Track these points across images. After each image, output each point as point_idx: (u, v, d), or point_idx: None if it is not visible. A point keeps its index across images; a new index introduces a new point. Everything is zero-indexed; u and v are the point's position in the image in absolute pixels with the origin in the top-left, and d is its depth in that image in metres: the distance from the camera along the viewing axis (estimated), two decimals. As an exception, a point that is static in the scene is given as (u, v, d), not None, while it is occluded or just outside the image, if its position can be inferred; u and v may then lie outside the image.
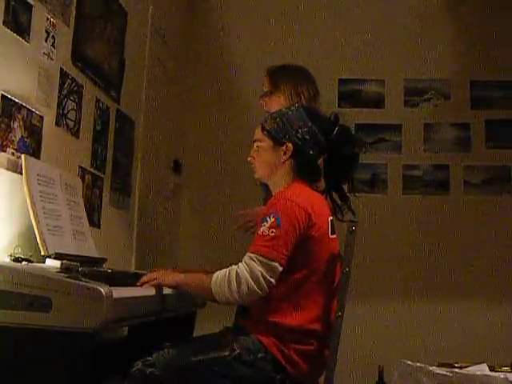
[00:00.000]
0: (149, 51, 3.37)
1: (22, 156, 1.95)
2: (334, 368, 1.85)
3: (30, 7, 2.06)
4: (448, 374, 2.13)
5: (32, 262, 1.71)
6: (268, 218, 1.80)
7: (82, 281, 1.46)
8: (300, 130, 1.96)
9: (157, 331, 2.03)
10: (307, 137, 1.95)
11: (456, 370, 2.22)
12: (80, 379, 1.44)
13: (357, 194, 2.08)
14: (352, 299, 2.01)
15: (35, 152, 2.10)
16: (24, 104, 2.03)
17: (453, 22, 4.12)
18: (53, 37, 2.22)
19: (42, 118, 2.15)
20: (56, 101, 2.28)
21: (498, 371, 2.29)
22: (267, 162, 1.99)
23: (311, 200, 1.89)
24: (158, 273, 1.92)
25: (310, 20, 4.12)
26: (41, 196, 1.95)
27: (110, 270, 2.11)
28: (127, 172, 3.10)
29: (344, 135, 2.00)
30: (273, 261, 1.77)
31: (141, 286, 1.85)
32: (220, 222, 3.83)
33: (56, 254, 1.83)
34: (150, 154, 3.38)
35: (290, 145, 1.95)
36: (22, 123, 2.02)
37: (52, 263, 1.77)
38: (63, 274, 1.49)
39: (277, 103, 2.47)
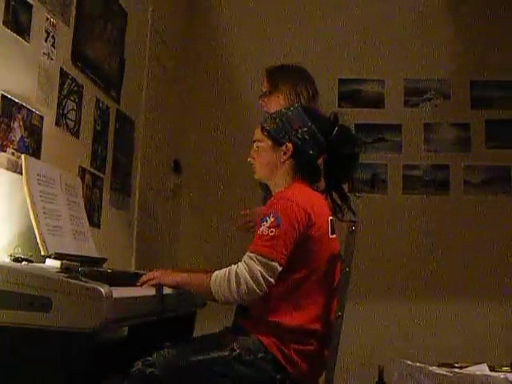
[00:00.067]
0: (149, 51, 3.37)
1: (22, 156, 1.95)
2: (333, 368, 1.85)
3: (29, 7, 2.06)
4: (448, 373, 2.13)
5: (32, 261, 1.70)
6: (268, 218, 1.80)
7: (81, 281, 1.46)
8: (300, 130, 1.96)
9: (157, 331, 2.03)
10: (307, 137, 1.95)
11: (456, 369, 2.22)
12: (80, 379, 1.44)
13: (358, 194, 2.08)
14: (352, 299, 2.01)
15: (35, 152, 2.11)
16: (24, 104, 2.03)
17: (453, 21, 4.12)
18: (53, 37, 2.22)
19: (42, 117, 2.15)
20: (56, 101, 2.28)
21: (498, 371, 2.29)
22: (267, 162, 1.99)
23: (311, 200, 1.89)
24: (158, 272, 1.92)
25: (309, 20, 4.12)
26: (41, 196, 1.95)
27: (109, 270, 2.11)
28: (127, 172, 3.10)
29: (344, 135, 2.00)
30: (272, 260, 1.77)
31: (141, 285, 1.86)
32: (220, 222, 3.83)
33: (56, 253, 1.83)
34: (149, 154, 3.38)
35: (289, 145, 1.95)
36: (21, 123, 2.02)
37: (52, 263, 1.77)
38: (63, 274, 1.49)
39: (276, 103, 2.47)
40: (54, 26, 2.23)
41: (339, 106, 4.09)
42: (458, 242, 3.88)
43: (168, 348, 1.81)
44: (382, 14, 4.12)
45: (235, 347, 1.80)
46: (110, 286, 1.48)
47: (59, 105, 2.30)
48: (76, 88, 2.45)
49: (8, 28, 1.94)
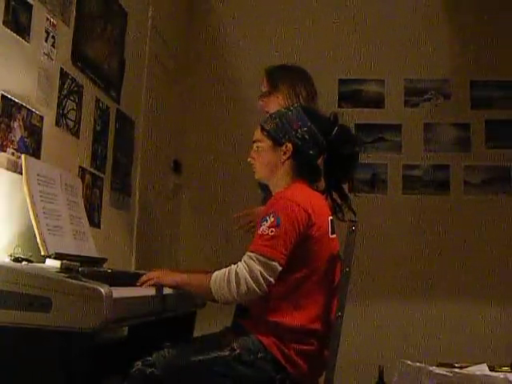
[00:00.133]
0: (149, 51, 3.37)
1: (22, 156, 1.95)
2: (333, 368, 1.85)
3: (29, 7, 2.06)
4: (448, 373, 2.13)
5: (32, 261, 1.70)
6: (268, 218, 1.81)
7: (81, 281, 1.46)
8: (299, 130, 1.96)
9: (157, 331, 2.03)
10: (307, 137, 1.95)
11: (456, 369, 2.22)
12: (80, 379, 1.44)
13: (357, 194, 2.08)
14: (352, 299, 2.01)
15: (35, 152, 2.10)
16: (24, 104, 2.03)
17: (453, 21, 4.12)
18: (53, 37, 2.22)
19: (41, 117, 2.15)
20: (56, 101, 2.28)
21: (498, 371, 2.29)
22: (267, 162, 1.99)
23: (311, 200, 1.89)
24: (158, 272, 1.92)
25: (309, 20, 4.12)
26: (41, 196, 1.95)
27: (109, 270, 2.11)
28: (127, 172, 3.10)
29: (343, 135, 2.00)
30: (272, 260, 1.77)
31: (140, 285, 1.86)
32: (220, 222, 3.83)
33: (56, 253, 1.83)
34: (149, 154, 3.38)
35: (289, 145, 1.95)
36: (21, 123, 2.02)
37: (52, 263, 1.77)
38: (63, 274, 1.49)
39: (275, 103, 2.47)
40: (54, 26, 2.23)
41: (339, 106, 4.09)
42: (458, 242, 3.88)
43: (168, 348, 1.81)
44: (381, 14, 4.12)
45: (235, 347, 1.80)
46: (110, 286, 1.48)
47: (59, 105, 2.30)
48: (76, 88, 2.45)
49: (8, 28, 1.94)
